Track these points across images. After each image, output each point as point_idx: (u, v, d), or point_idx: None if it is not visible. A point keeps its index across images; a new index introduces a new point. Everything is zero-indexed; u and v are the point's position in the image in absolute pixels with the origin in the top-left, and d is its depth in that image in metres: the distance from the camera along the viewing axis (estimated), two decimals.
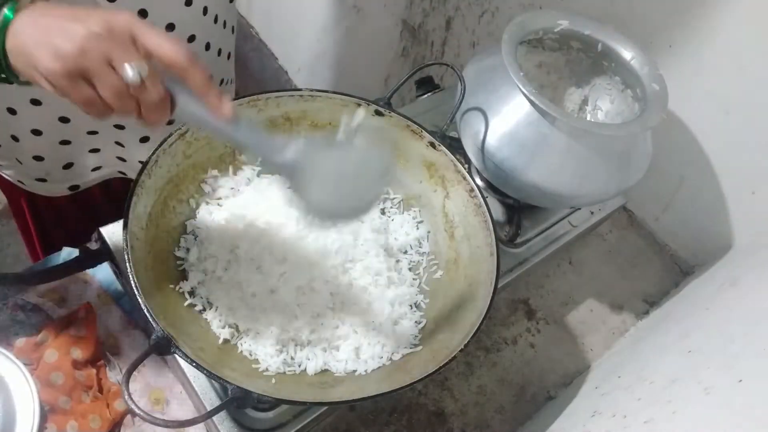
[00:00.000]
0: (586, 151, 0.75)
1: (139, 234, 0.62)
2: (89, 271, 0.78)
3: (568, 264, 1.01)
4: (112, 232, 0.71)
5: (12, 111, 0.78)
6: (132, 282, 0.56)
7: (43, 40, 0.44)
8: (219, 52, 0.87)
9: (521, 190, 0.79)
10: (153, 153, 0.64)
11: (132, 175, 0.94)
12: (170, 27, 0.76)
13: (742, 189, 0.93)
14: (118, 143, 0.87)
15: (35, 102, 0.77)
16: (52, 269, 0.71)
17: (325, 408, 0.68)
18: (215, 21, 0.82)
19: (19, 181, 0.89)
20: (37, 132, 0.80)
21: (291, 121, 0.76)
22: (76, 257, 0.71)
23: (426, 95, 1.03)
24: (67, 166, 0.87)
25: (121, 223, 0.59)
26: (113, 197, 1.01)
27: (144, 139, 0.88)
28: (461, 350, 0.59)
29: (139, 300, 0.55)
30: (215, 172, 0.73)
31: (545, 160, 0.75)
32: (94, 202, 0.98)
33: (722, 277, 0.89)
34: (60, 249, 0.81)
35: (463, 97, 0.77)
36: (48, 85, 0.46)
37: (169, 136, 0.66)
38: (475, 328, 0.61)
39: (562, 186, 0.76)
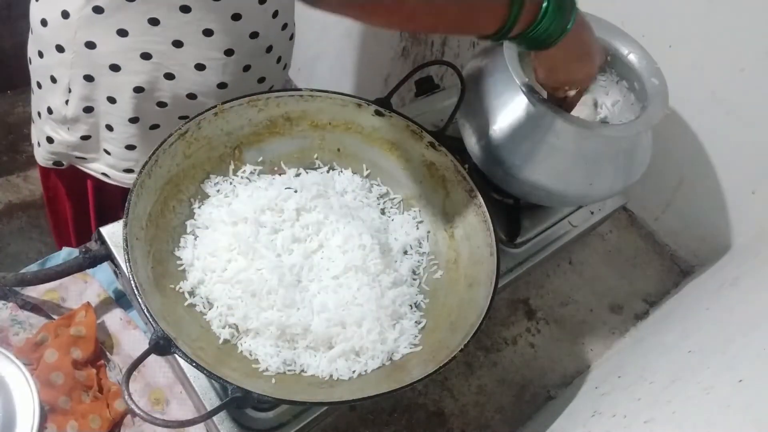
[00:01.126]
0: (593, 151, 0.76)
1: (139, 234, 0.62)
2: (89, 271, 0.78)
3: (568, 264, 1.01)
4: (112, 232, 0.71)
5: (112, 100, 0.80)
6: (132, 282, 0.56)
7: (580, 57, 0.68)
8: (279, 60, 0.88)
9: (525, 190, 0.79)
10: (153, 153, 0.64)
11: None
12: (255, 35, 0.80)
13: (742, 189, 0.93)
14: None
15: (138, 89, 0.79)
16: (52, 269, 0.71)
17: (325, 408, 0.68)
18: (283, 28, 0.86)
19: (103, 173, 0.89)
20: (134, 120, 0.82)
21: (291, 121, 0.76)
22: (76, 257, 0.71)
23: (426, 95, 1.03)
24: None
25: (121, 223, 0.59)
26: None
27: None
28: (461, 350, 0.59)
29: (139, 300, 0.55)
30: (215, 171, 0.73)
31: (551, 161, 0.75)
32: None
33: (722, 277, 0.89)
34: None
35: (463, 97, 0.77)
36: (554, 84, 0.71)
37: (169, 136, 0.66)
38: (475, 328, 0.61)
39: (569, 186, 0.76)
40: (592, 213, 0.93)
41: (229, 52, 0.79)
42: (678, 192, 1.01)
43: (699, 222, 1.00)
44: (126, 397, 0.50)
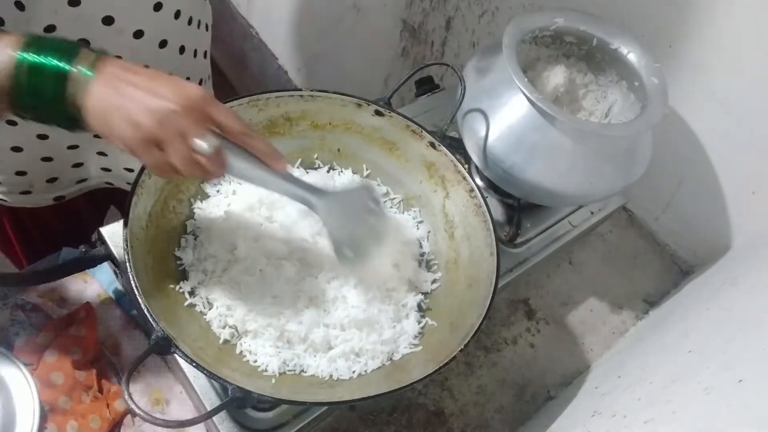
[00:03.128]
0: (593, 151, 0.76)
1: (139, 234, 0.62)
2: (89, 271, 0.78)
3: (568, 264, 1.01)
4: (112, 232, 0.70)
5: None
6: (132, 282, 0.56)
7: (122, 108, 0.50)
8: (195, 53, 0.84)
9: (525, 189, 0.79)
10: None
11: (118, 184, 0.92)
12: (139, 33, 0.73)
13: (742, 189, 0.93)
14: (100, 153, 0.85)
15: (11, 123, 0.75)
16: (52, 269, 0.71)
17: (325, 408, 0.68)
18: (189, 23, 0.80)
19: (1, 199, 0.87)
20: (17, 149, 0.79)
21: (291, 121, 0.76)
22: (76, 257, 0.71)
23: (426, 95, 1.03)
24: (51, 180, 0.85)
25: (121, 223, 0.59)
26: (98, 204, 0.99)
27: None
28: (461, 350, 0.59)
29: (139, 300, 0.55)
30: None
31: (551, 161, 0.75)
32: (78, 209, 0.96)
33: (722, 277, 0.89)
34: (43, 257, 0.80)
35: (463, 97, 0.77)
36: (121, 145, 0.51)
37: None
38: (475, 328, 0.61)
39: (569, 186, 0.76)
40: (592, 213, 0.93)
41: None
42: (678, 192, 1.01)
43: (699, 222, 1.00)
44: (126, 397, 0.50)
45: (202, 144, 0.51)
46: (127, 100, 0.50)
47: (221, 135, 0.53)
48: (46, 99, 0.50)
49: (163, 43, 0.77)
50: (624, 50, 0.81)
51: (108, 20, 0.69)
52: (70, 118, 0.51)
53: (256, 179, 0.57)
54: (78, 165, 0.86)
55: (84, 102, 0.50)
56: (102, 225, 0.71)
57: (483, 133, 0.78)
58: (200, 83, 0.91)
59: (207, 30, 0.87)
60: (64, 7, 0.66)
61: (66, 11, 0.67)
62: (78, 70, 0.50)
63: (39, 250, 0.92)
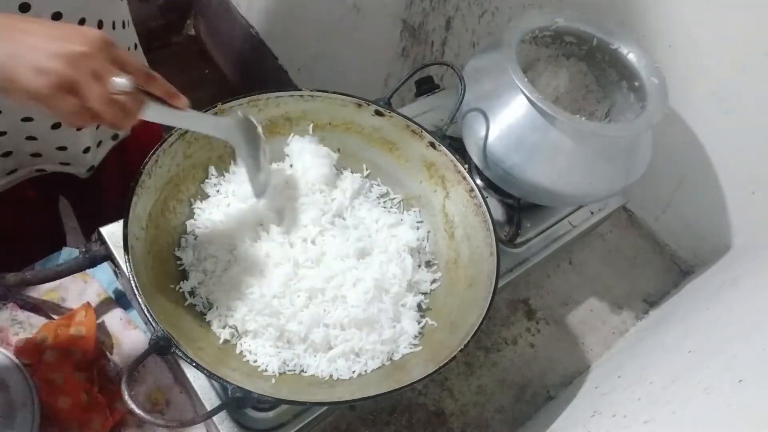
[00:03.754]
0: (593, 151, 0.76)
1: (139, 234, 0.62)
2: (89, 271, 0.78)
3: (568, 264, 1.01)
4: (112, 232, 0.70)
5: None
6: (132, 282, 0.56)
7: (25, 57, 0.46)
8: (113, 25, 0.80)
9: (525, 189, 0.79)
10: (153, 153, 0.64)
11: (51, 169, 0.87)
12: (57, 15, 0.68)
13: (742, 189, 0.93)
14: (30, 138, 0.80)
15: None
16: (52, 269, 0.71)
17: (325, 408, 0.68)
18: None
19: None
20: None
21: (291, 121, 0.76)
22: (76, 257, 0.71)
23: (426, 95, 1.03)
24: None
25: (121, 223, 0.59)
26: (46, 191, 0.94)
27: (55, 126, 0.80)
28: (461, 350, 0.59)
29: (139, 300, 0.55)
30: (215, 172, 0.73)
31: (551, 161, 0.75)
32: (24, 204, 0.91)
33: (722, 277, 0.89)
34: None
35: (463, 97, 0.77)
36: (29, 98, 0.47)
37: (169, 136, 0.66)
38: (475, 328, 0.61)
39: (569, 186, 0.76)
40: (592, 213, 0.93)
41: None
42: (678, 192, 1.01)
43: (699, 222, 1.00)
44: (126, 397, 0.50)
45: (123, 81, 0.50)
46: (29, 48, 0.47)
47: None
48: None
49: (82, 21, 0.73)
50: (624, 50, 0.81)
51: (25, 7, 0.65)
52: None
53: (163, 118, 0.58)
54: (7, 154, 0.81)
55: None
56: (56, 219, 0.69)
57: (483, 133, 0.78)
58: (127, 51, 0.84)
59: (121, 0, 0.82)
60: None
61: None
62: None
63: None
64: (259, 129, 0.68)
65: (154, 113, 0.56)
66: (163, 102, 0.56)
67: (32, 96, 0.48)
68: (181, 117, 0.59)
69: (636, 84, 0.80)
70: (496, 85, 0.79)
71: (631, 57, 0.80)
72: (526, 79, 0.73)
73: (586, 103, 0.86)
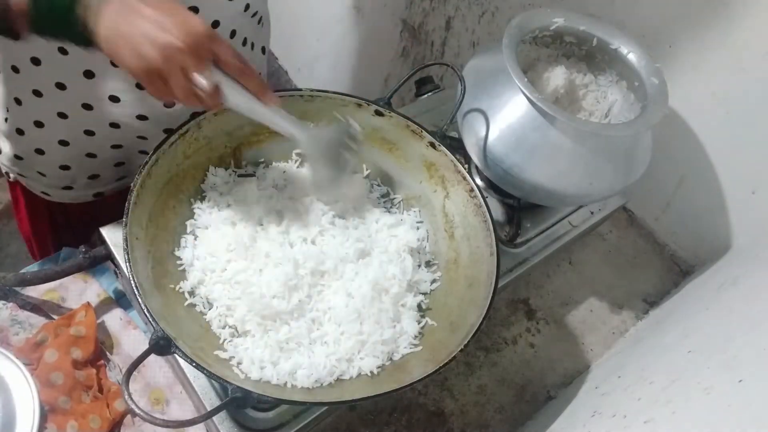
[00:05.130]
0: (593, 151, 0.76)
1: (139, 234, 0.62)
2: (89, 271, 0.78)
3: (568, 264, 1.01)
4: (112, 232, 0.71)
5: (39, 124, 0.78)
6: (132, 282, 0.56)
7: (131, 39, 0.53)
8: (253, 47, 0.86)
9: (526, 189, 0.79)
10: (153, 153, 0.64)
11: None
12: (216, 24, 0.75)
13: (742, 189, 0.93)
14: (142, 152, 0.86)
15: (62, 115, 0.77)
16: (52, 269, 0.71)
17: (325, 408, 0.68)
18: (253, 16, 0.82)
19: (43, 192, 0.89)
20: (64, 143, 0.80)
21: None
22: (76, 257, 0.71)
23: (426, 95, 1.03)
24: (93, 177, 0.87)
25: (121, 223, 0.59)
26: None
27: None
28: (461, 350, 0.59)
29: (139, 300, 0.55)
30: (215, 172, 0.73)
31: (551, 161, 0.75)
32: (114, 205, 0.96)
33: (722, 277, 0.89)
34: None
35: (463, 97, 0.77)
36: (128, 72, 0.55)
37: (169, 136, 0.66)
38: (475, 328, 0.61)
39: (569, 186, 0.76)
40: (592, 213, 0.93)
41: (139, 86, 0.75)
42: (678, 192, 1.01)
43: (699, 222, 1.00)
44: (126, 397, 0.50)
45: (202, 81, 0.55)
46: (136, 31, 0.53)
47: (220, 68, 0.57)
48: (59, 20, 0.53)
49: (232, 33, 0.79)
50: (624, 50, 0.81)
51: (194, 9, 0.71)
52: (85, 40, 0.54)
53: (247, 111, 0.62)
54: (120, 164, 0.87)
55: (96, 27, 0.53)
56: None
57: (483, 133, 0.78)
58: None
59: (265, 26, 0.89)
60: None
61: None
62: None
63: (68, 243, 0.92)
64: (359, 142, 0.70)
65: (237, 102, 0.60)
66: (252, 95, 0.61)
67: (129, 72, 0.55)
68: (264, 113, 0.62)
69: (636, 84, 0.80)
70: (496, 85, 0.79)
71: (631, 57, 0.80)
72: (525, 79, 0.73)
73: (586, 103, 0.86)
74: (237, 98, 0.60)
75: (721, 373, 0.58)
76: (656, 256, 1.05)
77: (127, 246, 0.58)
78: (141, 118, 0.78)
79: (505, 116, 0.77)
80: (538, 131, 0.75)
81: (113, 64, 0.74)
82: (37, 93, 0.75)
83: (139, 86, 0.75)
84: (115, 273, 0.75)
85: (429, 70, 1.28)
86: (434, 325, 0.69)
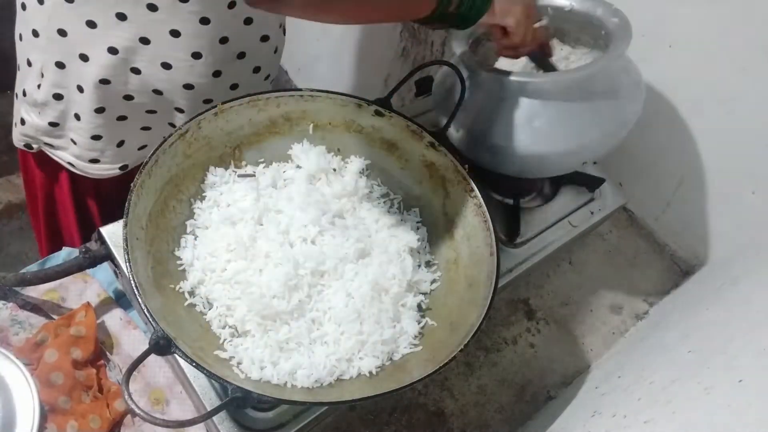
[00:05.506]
0: (567, 102, 0.74)
1: (139, 234, 0.62)
2: (89, 271, 0.78)
3: (568, 264, 1.01)
4: (112, 232, 0.70)
5: (81, 89, 0.81)
6: (132, 282, 0.56)
7: (511, 12, 0.72)
8: (256, 69, 0.89)
9: (518, 164, 0.78)
10: (153, 153, 0.64)
11: None
12: (242, 55, 0.82)
13: (742, 189, 0.93)
14: (171, 124, 0.88)
15: (104, 81, 0.79)
16: (52, 269, 0.71)
17: (325, 408, 0.68)
18: (275, 52, 0.90)
19: (69, 163, 0.90)
20: (100, 110, 0.83)
21: (291, 121, 0.76)
22: (76, 257, 0.71)
23: (426, 95, 1.03)
24: (120, 144, 0.88)
25: (121, 223, 0.59)
26: None
27: None
28: (461, 350, 0.59)
29: (139, 300, 0.55)
30: (215, 172, 0.73)
31: (530, 126, 0.75)
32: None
33: (722, 277, 0.89)
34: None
35: (463, 97, 0.77)
36: (507, 24, 0.73)
37: (169, 136, 0.66)
38: (475, 328, 0.61)
39: (558, 144, 0.75)
40: (592, 213, 0.93)
41: (196, 55, 0.78)
42: (678, 192, 1.01)
43: (699, 222, 1.00)
44: (126, 397, 0.50)
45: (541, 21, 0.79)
46: (516, 9, 0.72)
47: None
48: (478, 15, 0.69)
49: (256, 69, 0.87)
50: (591, 12, 0.81)
51: (223, 40, 0.80)
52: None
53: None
54: (146, 128, 0.88)
55: (493, 6, 0.70)
56: None
57: (462, 121, 0.78)
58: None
59: (275, 52, 0.93)
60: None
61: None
62: None
63: (93, 223, 0.93)
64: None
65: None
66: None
67: (509, 25, 0.73)
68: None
69: (603, 33, 0.79)
70: (467, 72, 0.79)
71: (598, 12, 0.80)
72: (466, 49, 0.75)
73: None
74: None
75: (721, 373, 0.58)
76: (656, 256, 1.05)
77: (127, 246, 0.58)
78: (187, 87, 0.81)
79: (475, 99, 0.77)
80: (505, 101, 0.75)
81: (103, 82, 0.79)
82: (84, 57, 0.78)
83: (194, 55, 0.78)
84: (115, 273, 0.75)
85: (429, 70, 1.28)
86: (434, 325, 0.69)
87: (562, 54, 0.85)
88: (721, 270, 0.94)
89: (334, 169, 0.76)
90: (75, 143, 0.87)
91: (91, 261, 0.71)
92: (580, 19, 0.82)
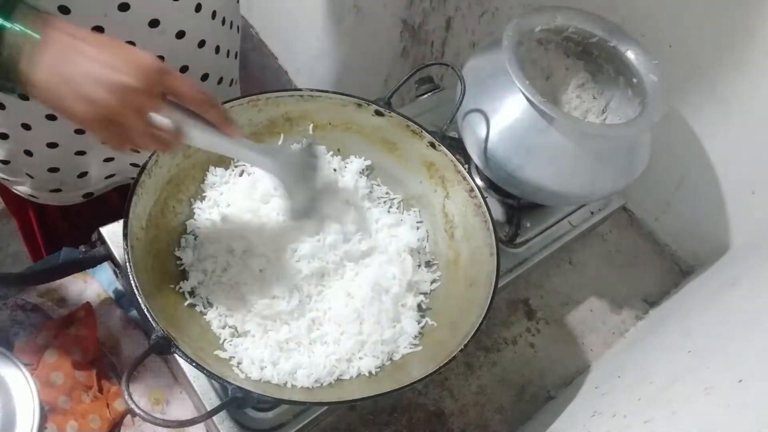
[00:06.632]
0: (596, 151, 0.76)
1: (139, 234, 0.62)
2: (89, 271, 0.78)
3: (568, 264, 1.01)
4: (112, 232, 0.71)
5: (27, 126, 0.77)
6: (132, 282, 0.56)
7: (75, 83, 0.46)
8: (228, 53, 0.86)
9: (528, 191, 0.79)
10: (153, 153, 0.64)
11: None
12: (181, 34, 0.74)
13: (742, 189, 0.93)
14: (133, 150, 0.85)
15: (50, 117, 0.76)
16: (52, 269, 0.71)
17: (325, 408, 0.68)
18: (223, 23, 0.81)
19: (30, 195, 0.88)
20: (53, 145, 0.79)
21: (291, 121, 0.76)
22: (76, 257, 0.71)
23: (426, 95, 1.03)
24: (82, 175, 0.86)
25: (121, 223, 0.59)
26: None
27: None
28: (461, 350, 0.59)
29: (139, 300, 0.55)
30: (215, 172, 0.73)
31: (553, 162, 0.75)
32: (108, 204, 0.97)
33: (722, 277, 0.89)
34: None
35: (463, 97, 0.77)
36: (74, 121, 0.49)
37: None
38: (475, 328, 0.61)
39: (572, 187, 0.76)
40: (592, 213, 0.93)
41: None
42: (678, 192, 1.01)
43: (699, 222, 1.00)
44: (126, 397, 0.50)
45: (163, 120, 0.51)
46: (80, 72, 0.46)
47: (176, 103, 0.53)
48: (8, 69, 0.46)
49: (201, 43, 0.78)
50: (622, 48, 0.81)
51: (154, 23, 0.70)
52: (18, 87, 0.48)
53: (212, 146, 0.58)
54: (109, 159, 0.86)
55: (32, 74, 0.46)
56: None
57: (483, 134, 0.78)
58: (230, 83, 0.92)
59: (237, 31, 0.88)
60: (114, 11, 0.66)
61: (115, 15, 0.66)
62: (19, 29, 0.45)
63: (63, 244, 0.93)
64: (322, 158, 0.70)
65: (200, 139, 0.56)
66: (214, 128, 0.56)
67: (77, 120, 0.49)
68: (229, 145, 0.58)
69: (634, 81, 0.80)
70: (497, 86, 0.79)
71: (630, 54, 0.80)
72: (527, 82, 0.73)
73: (581, 100, 0.86)
74: (201, 135, 0.55)
75: (721, 373, 0.58)
76: (656, 256, 1.05)
77: (127, 246, 0.58)
78: None
79: (505, 117, 0.77)
80: (540, 133, 0.75)
81: (50, 117, 0.72)
82: (23, 97, 0.74)
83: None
84: (115, 273, 0.75)
85: (429, 70, 1.28)
86: (434, 325, 0.69)
87: (580, 79, 0.86)
88: (721, 270, 0.94)
89: (335, 169, 0.76)
90: (32, 177, 0.84)
91: (91, 261, 0.71)
92: (612, 54, 0.82)
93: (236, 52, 0.91)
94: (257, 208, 0.70)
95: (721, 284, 0.85)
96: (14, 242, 1.76)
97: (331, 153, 0.77)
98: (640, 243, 1.06)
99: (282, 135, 0.76)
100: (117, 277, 0.76)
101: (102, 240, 0.71)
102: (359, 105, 0.74)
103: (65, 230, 0.97)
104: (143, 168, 0.63)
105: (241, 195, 0.72)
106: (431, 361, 0.61)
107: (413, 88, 1.05)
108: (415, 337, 0.68)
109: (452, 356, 0.59)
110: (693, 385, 0.59)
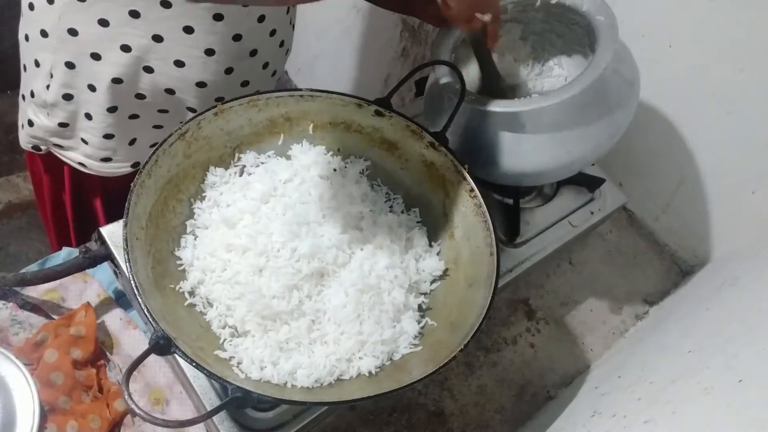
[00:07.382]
0: (550, 124, 0.74)
1: (139, 234, 0.62)
2: (89, 271, 0.78)
3: (568, 264, 1.01)
4: (112, 232, 0.71)
5: (92, 88, 0.81)
6: (132, 282, 0.56)
7: None
8: (265, 65, 0.89)
9: (512, 178, 0.80)
10: (153, 153, 0.64)
11: None
12: (254, 52, 0.82)
13: (742, 189, 0.93)
14: (182, 122, 0.88)
15: (116, 81, 0.79)
16: (52, 269, 0.71)
17: (325, 408, 0.68)
18: (272, 74, 0.88)
19: (80, 163, 0.89)
20: (113, 109, 0.83)
21: (291, 121, 0.76)
22: (76, 257, 0.71)
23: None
24: (132, 142, 0.88)
25: (121, 223, 0.59)
26: None
27: None
28: (461, 350, 0.59)
29: (139, 300, 0.55)
30: (215, 172, 0.73)
31: (517, 149, 0.75)
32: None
33: (722, 277, 0.89)
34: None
35: (463, 97, 0.77)
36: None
37: (169, 136, 0.66)
38: (475, 328, 0.61)
39: (549, 162, 0.76)
40: (592, 213, 0.93)
41: (209, 52, 0.79)
42: (678, 192, 1.01)
43: (699, 222, 1.00)
44: (126, 397, 0.50)
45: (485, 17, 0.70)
46: None
47: None
48: None
49: (252, 51, 0.84)
50: (579, 6, 0.78)
51: (237, 37, 0.80)
52: None
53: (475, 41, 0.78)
54: (158, 126, 0.88)
55: None
56: None
57: (462, 141, 0.79)
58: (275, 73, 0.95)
59: (281, 46, 0.91)
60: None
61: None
62: None
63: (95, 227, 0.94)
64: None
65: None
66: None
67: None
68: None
69: (585, 27, 0.79)
70: (441, 96, 0.81)
71: (573, 3, 0.79)
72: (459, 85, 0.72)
73: (539, 62, 0.87)
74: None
75: (721, 373, 0.58)
76: (656, 256, 1.05)
77: (127, 246, 0.58)
78: (200, 84, 0.81)
79: (461, 122, 0.77)
80: (491, 131, 0.76)
81: (116, 81, 0.79)
82: (96, 56, 0.78)
83: (207, 52, 0.78)
84: (115, 273, 0.75)
85: (429, 70, 1.28)
86: (434, 325, 0.69)
87: (528, 50, 0.86)
88: (721, 270, 0.94)
89: (335, 169, 0.76)
90: (86, 143, 0.87)
91: (91, 261, 0.71)
92: (568, 16, 0.81)
93: (275, 71, 0.94)
94: (257, 208, 0.70)
95: (721, 284, 0.85)
96: (14, 242, 1.76)
97: (331, 153, 0.77)
98: (640, 243, 1.06)
99: (282, 135, 0.76)
100: (117, 277, 0.76)
101: (102, 240, 0.71)
102: (359, 105, 0.74)
103: (100, 210, 0.97)
104: (143, 168, 0.63)
105: (240, 195, 0.71)
106: (431, 361, 0.60)
107: (413, 88, 1.05)
108: (415, 337, 0.68)
109: (452, 356, 0.59)
110: (693, 385, 0.59)
